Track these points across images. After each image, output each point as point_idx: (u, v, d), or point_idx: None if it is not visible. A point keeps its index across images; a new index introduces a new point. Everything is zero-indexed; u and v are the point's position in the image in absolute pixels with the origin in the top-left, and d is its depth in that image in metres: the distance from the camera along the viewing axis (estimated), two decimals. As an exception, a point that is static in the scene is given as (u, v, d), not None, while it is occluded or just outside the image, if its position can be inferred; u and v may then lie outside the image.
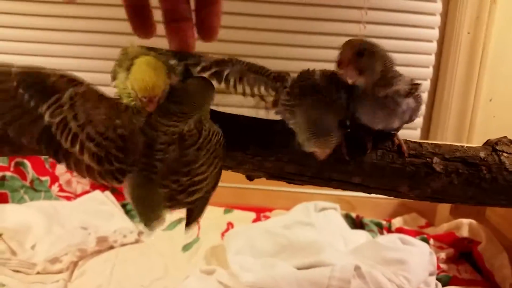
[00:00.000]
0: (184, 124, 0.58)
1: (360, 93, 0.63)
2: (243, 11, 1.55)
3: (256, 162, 0.68)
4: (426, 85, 1.65)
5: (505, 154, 0.70)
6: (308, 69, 0.67)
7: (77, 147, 0.54)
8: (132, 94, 0.57)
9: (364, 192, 0.71)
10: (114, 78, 0.62)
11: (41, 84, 0.55)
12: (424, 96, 1.65)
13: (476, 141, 1.62)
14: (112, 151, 0.55)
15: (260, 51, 1.59)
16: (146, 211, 0.60)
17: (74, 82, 0.56)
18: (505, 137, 0.74)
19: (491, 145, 0.72)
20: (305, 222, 1.24)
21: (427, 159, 0.69)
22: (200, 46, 0.69)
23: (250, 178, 0.73)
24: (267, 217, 1.38)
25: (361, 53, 0.60)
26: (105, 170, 0.55)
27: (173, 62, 0.63)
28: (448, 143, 0.72)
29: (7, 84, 0.55)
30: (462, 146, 0.71)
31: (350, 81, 0.61)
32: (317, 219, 1.27)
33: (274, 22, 1.56)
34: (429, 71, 1.64)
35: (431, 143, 0.71)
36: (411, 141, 0.70)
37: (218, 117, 0.68)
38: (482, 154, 0.70)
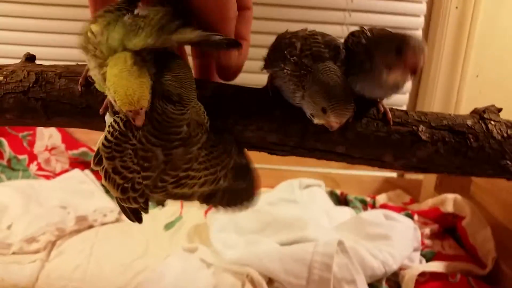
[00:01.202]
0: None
1: (358, 65, 0.60)
2: None
3: (237, 132, 0.65)
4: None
5: (492, 122, 0.68)
6: (312, 34, 0.63)
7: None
8: (116, 106, 0.54)
9: (348, 162, 0.69)
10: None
11: None
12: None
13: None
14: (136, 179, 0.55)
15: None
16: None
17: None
18: (492, 105, 0.72)
19: (479, 113, 0.70)
20: (290, 199, 1.23)
21: (413, 127, 0.66)
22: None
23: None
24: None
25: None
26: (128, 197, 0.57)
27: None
28: (435, 112, 0.70)
29: None
30: (450, 114, 0.69)
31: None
32: (301, 196, 1.25)
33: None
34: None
35: (418, 112, 0.69)
36: (396, 109, 0.68)
37: (200, 86, 0.66)
38: (469, 122, 0.68)
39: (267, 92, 0.68)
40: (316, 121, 0.60)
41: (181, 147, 0.56)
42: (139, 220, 0.63)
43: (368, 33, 0.61)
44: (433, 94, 1.63)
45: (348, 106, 0.57)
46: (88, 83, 0.63)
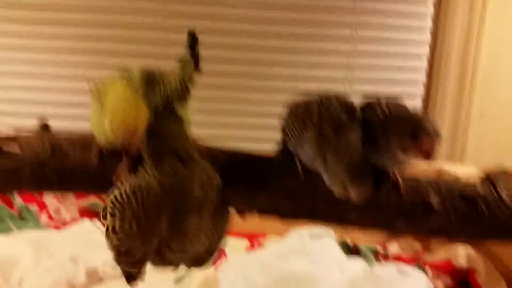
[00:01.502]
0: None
1: (373, 137, 0.61)
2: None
3: (248, 199, 0.66)
4: (417, 102, 1.64)
5: (502, 187, 0.69)
6: (327, 98, 0.65)
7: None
8: (110, 136, 0.54)
9: (361, 228, 0.69)
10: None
11: None
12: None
13: (469, 159, 1.61)
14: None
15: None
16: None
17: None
18: (503, 169, 0.73)
19: (489, 178, 0.70)
20: (301, 251, 1.21)
21: (425, 195, 0.67)
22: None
23: (241, 212, 0.71)
24: (261, 245, 1.35)
25: None
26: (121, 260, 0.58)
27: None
28: (446, 177, 0.70)
29: None
30: (460, 180, 0.70)
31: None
32: (312, 248, 1.24)
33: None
34: (420, 89, 1.63)
35: (429, 179, 0.69)
36: (408, 175, 0.69)
37: (212, 153, 0.67)
38: (480, 189, 0.68)
39: (279, 159, 0.69)
40: (336, 193, 0.61)
41: (195, 212, 0.55)
42: (132, 284, 0.62)
43: (384, 108, 0.62)
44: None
45: (368, 182, 0.59)
46: (102, 155, 0.64)
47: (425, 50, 1.60)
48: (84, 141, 0.66)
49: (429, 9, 1.56)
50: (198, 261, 0.64)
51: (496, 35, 1.54)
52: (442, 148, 1.63)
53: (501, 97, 1.59)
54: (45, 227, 1.38)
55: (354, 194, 0.59)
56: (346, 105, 0.65)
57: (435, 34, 1.60)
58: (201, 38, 0.67)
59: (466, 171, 1.20)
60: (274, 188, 0.66)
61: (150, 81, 0.60)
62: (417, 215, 0.66)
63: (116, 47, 1.54)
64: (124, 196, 0.54)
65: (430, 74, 1.64)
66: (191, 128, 0.64)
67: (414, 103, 1.63)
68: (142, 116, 0.54)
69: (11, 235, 1.32)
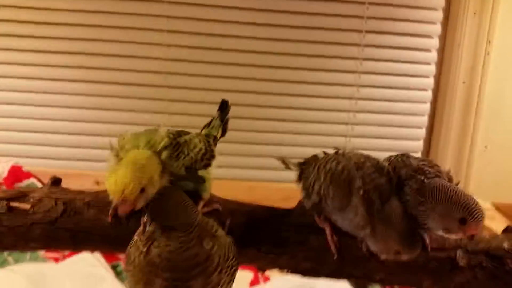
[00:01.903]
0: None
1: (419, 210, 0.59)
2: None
3: (270, 259, 0.64)
4: (421, 133, 1.63)
5: (529, 243, 0.67)
6: (361, 161, 0.63)
7: None
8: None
9: (386, 286, 0.67)
10: None
11: None
12: (419, 144, 1.64)
13: (473, 189, 1.61)
14: None
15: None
16: None
17: None
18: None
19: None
20: (308, 285, 1.19)
21: (451, 253, 0.65)
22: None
23: (262, 269, 0.69)
24: (266, 278, 1.32)
25: None
26: None
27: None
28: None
29: None
30: (485, 237, 0.68)
31: None
32: (318, 283, 1.22)
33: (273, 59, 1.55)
34: (424, 119, 1.62)
35: (453, 234, 0.67)
36: (434, 233, 0.67)
37: (231, 208, 0.65)
38: (506, 245, 0.67)
39: (300, 215, 0.66)
40: (383, 257, 0.60)
41: (200, 277, 0.54)
42: None
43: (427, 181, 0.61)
44: (442, 166, 1.63)
45: (417, 245, 0.59)
46: (116, 214, 0.62)
47: (430, 81, 1.59)
48: (97, 199, 0.64)
49: (435, 41, 1.55)
50: None
51: (501, 68, 1.54)
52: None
53: (505, 128, 1.59)
54: (44, 259, 1.34)
55: (406, 257, 0.59)
56: (381, 169, 0.62)
57: (440, 65, 1.60)
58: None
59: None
60: (296, 246, 0.63)
61: (176, 143, 0.59)
62: (443, 272, 0.65)
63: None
64: (131, 259, 0.56)
65: (434, 105, 1.64)
66: (211, 186, 0.63)
67: (418, 133, 1.63)
68: (137, 183, 0.53)
69: (7, 268, 1.28)
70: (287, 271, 0.65)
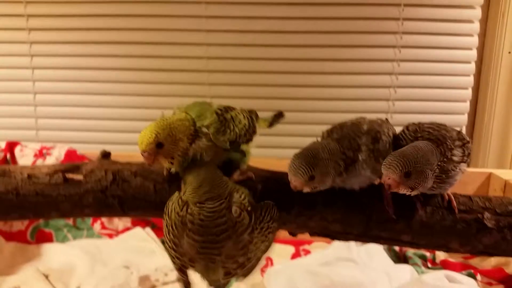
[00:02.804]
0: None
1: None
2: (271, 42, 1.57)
3: (300, 222, 0.67)
4: (465, 107, 1.60)
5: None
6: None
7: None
8: None
9: (414, 248, 0.70)
10: None
11: None
12: (464, 118, 1.61)
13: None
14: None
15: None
16: (209, 281, 0.65)
17: None
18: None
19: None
20: (347, 258, 1.22)
21: (478, 214, 0.66)
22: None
23: (294, 234, 0.73)
24: (306, 251, 1.37)
25: (408, 174, 0.59)
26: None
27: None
28: (499, 196, 0.70)
29: None
30: (515, 198, 0.69)
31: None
32: (358, 255, 1.24)
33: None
34: (468, 92, 1.59)
35: (482, 197, 0.69)
36: (460, 195, 0.68)
37: (263, 176, 0.69)
38: (536, 206, 0.67)
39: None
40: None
41: (230, 239, 0.59)
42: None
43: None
44: (487, 142, 1.60)
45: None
46: (164, 181, 0.68)
47: (473, 53, 1.56)
48: (143, 168, 0.70)
49: (478, 11, 1.52)
50: (243, 272, 0.67)
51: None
52: (492, 155, 1.59)
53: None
54: (99, 236, 1.44)
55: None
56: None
57: (483, 36, 1.57)
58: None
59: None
60: (325, 209, 0.67)
61: (223, 119, 0.65)
62: (470, 234, 0.66)
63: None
64: (168, 210, 0.62)
65: (478, 77, 1.61)
66: (250, 159, 0.68)
67: (462, 107, 1.60)
68: (154, 135, 0.59)
69: (68, 244, 1.39)
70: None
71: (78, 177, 0.69)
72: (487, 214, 0.66)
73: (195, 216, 0.59)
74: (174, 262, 0.65)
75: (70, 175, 0.70)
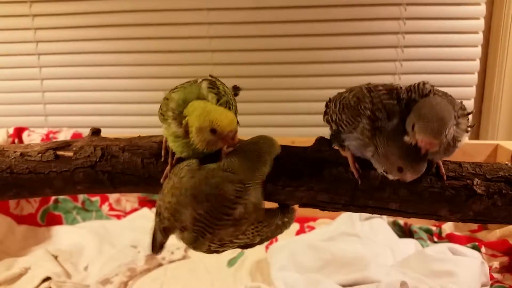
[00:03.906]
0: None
1: None
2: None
3: (287, 193, 0.67)
4: (473, 78, 1.57)
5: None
6: (374, 85, 0.66)
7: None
8: (205, 134, 0.61)
9: (402, 217, 0.69)
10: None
11: None
12: (472, 90, 1.58)
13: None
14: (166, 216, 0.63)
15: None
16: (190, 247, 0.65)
17: None
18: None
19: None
20: (350, 233, 1.22)
21: (468, 181, 0.65)
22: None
23: (288, 205, 0.73)
24: (311, 228, 1.37)
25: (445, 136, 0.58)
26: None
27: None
28: (490, 163, 0.68)
29: None
30: (507, 164, 0.67)
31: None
32: (362, 229, 1.24)
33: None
34: (476, 63, 1.55)
35: (472, 163, 0.67)
36: (450, 162, 0.67)
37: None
38: (527, 172, 0.66)
39: (316, 151, 0.69)
40: (390, 177, 0.62)
41: (232, 227, 0.60)
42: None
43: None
44: (496, 114, 1.56)
45: (422, 163, 0.60)
46: (151, 155, 0.69)
47: (481, 23, 1.52)
48: (131, 143, 0.70)
49: None
50: (244, 247, 0.68)
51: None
52: (501, 127, 1.56)
53: None
54: (107, 217, 1.47)
55: (409, 176, 0.60)
56: (392, 91, 0.65)
57: (491, 5, 1.52)
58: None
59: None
60: (311, 179, 0.66)
61: (216, 90, 0.66)
62: (460, 201, 0.65)
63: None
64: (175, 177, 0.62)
65: (486, 48, 1.57)
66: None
67: (470, 79, 1.57)
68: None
69: (77, 226, 1.43)
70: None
71: (69, 154, 0.70)
72: (476, 180, 0.65)
73: (213, 193, 0.59)
74: (161, 221, 0.64)
75: (60, 152, 0.71)
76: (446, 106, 0.58)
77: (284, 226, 0.68)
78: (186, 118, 0.62)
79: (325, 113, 0.73)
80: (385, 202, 0.66)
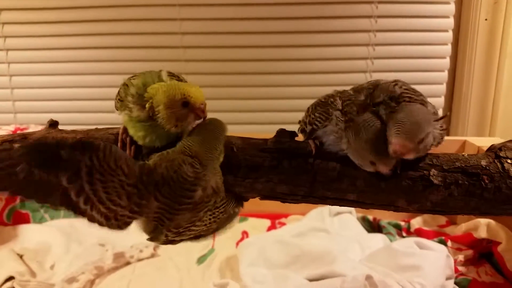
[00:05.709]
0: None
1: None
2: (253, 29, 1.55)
3: (247, 184, 0.67)
4: (443, 76, 1.59)
5: (509, 161, 0.67)
6: (344, 90, 0.69)
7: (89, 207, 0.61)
8: (175, 108, 0.60)
9: (361, 208, 0.69)
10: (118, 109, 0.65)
11: (53, 160, 0.58)
12: (442, 88, 1.60)
13: (499, 133, 1.56)
14: (120, 211, 0.60)
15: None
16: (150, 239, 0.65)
17: (86, 151, 0.58)
18: (510, 141, 0.70)
19: (494, 151, 0.68)
20: (320, 229, 1.22)
21: (424, 171, 0.66)
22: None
23: (245, 198, 0.72)
24: (282, 224, 1.37)
25: (421, 141, 0.61)
26: (111, 224, 0.63)
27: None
28: (448, 153, 0.69)
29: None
30: (463, 155, 0.68)
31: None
32: (331, 225, 1.25)
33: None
34: (446, 61, 1.58)
35: (430, 154, 0.68)
36: (407, 153, 0.68)
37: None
38: (483, 163, 0.67)
39: (277, 143, 0.69)
40: (367, 169, 0.64)
41: (189, 212, 0.59)
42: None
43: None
44: (466, 110, 1.59)
45: (391, 157, 0.61)
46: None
47: (450, 21, 1.55)
48: (88, 135, 0.69)
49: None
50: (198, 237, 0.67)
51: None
52: (471, 124, 1.59)
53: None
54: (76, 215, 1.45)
55: (381, 168, 0.63)
56: (360, 90, 0.68)
57: (460, 3, 1.54)
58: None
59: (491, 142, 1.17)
60: (270, 170, 0.66)
61: (176, 77, 0.67)
62: (417, 192, 0.66)
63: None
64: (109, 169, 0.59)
65: (456, 46, 1.59)
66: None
67: (440, 76, 1.59)
68: None
69: (44, 224, 1.40)
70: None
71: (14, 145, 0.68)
72: (433, 171, 0.66)
73: (170, 173, 0.58)
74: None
75: (17, 145, 0.69)
76: (425, 114, 0.61)
77: (232, 218, 0.67)
78: (150, 100, 0.61)
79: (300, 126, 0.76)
80: (343, 193, 0.66)
